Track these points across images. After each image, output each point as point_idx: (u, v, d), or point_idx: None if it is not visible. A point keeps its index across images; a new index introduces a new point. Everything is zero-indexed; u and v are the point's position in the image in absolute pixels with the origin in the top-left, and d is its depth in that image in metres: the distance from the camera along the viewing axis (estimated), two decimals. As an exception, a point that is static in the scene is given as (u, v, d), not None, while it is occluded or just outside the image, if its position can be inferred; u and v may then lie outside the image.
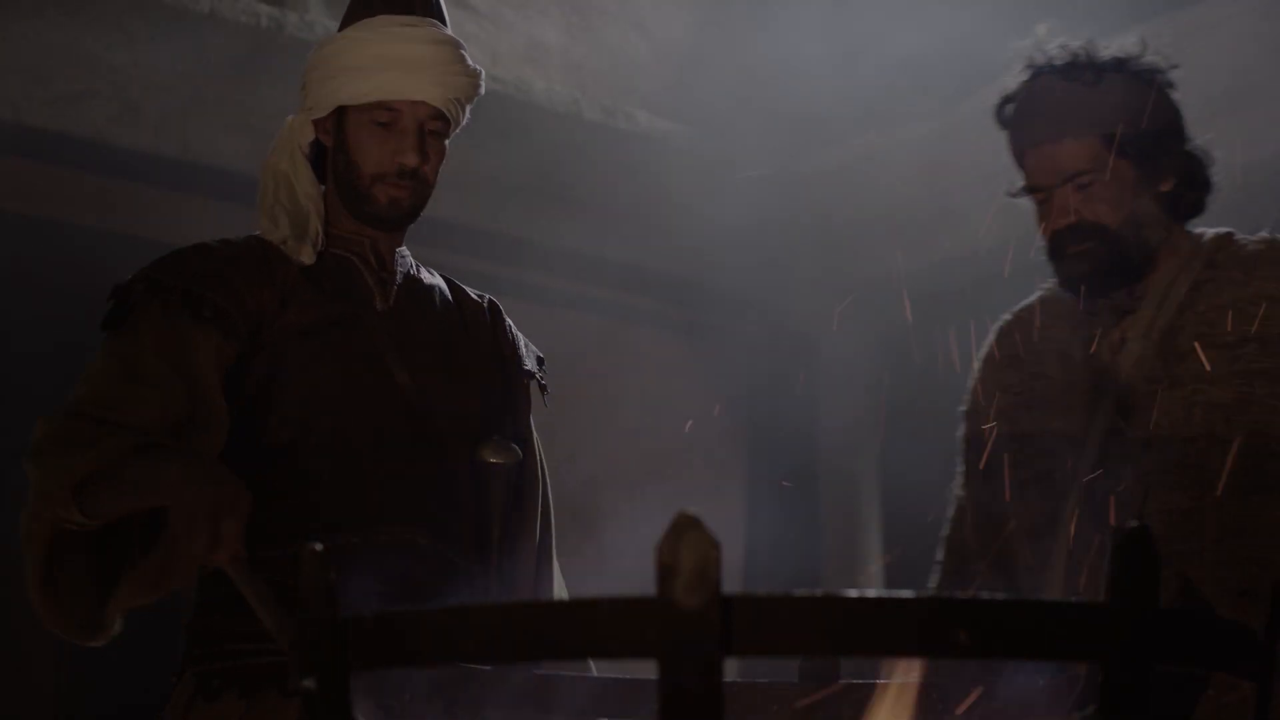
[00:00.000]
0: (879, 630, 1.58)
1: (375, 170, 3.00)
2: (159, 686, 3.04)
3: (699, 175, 6.85)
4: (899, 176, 6.76)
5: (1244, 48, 5.94)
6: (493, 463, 3.00)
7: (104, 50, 5.72)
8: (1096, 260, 2.84)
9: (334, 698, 1.78)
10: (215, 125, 5.88)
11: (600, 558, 6.83)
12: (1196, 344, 2.78)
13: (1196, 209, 2.92)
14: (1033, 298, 3.04)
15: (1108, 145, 2.84)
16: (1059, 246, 2.87)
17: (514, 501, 3.09)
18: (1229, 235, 2.90)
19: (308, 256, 3.00)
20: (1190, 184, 2.89)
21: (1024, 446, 2.92)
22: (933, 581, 3.05)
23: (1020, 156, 2.92)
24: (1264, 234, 2.88)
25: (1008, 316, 3.08)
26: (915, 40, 6.42)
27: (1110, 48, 2.88)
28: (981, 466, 2.97)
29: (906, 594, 1.60)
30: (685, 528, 1.52)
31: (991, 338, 3.08)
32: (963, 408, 3.09)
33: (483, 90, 3.11)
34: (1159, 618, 1.65)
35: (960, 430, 3.09)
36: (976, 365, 3.09)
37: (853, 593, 1.57)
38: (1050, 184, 2.87)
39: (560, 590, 3.23)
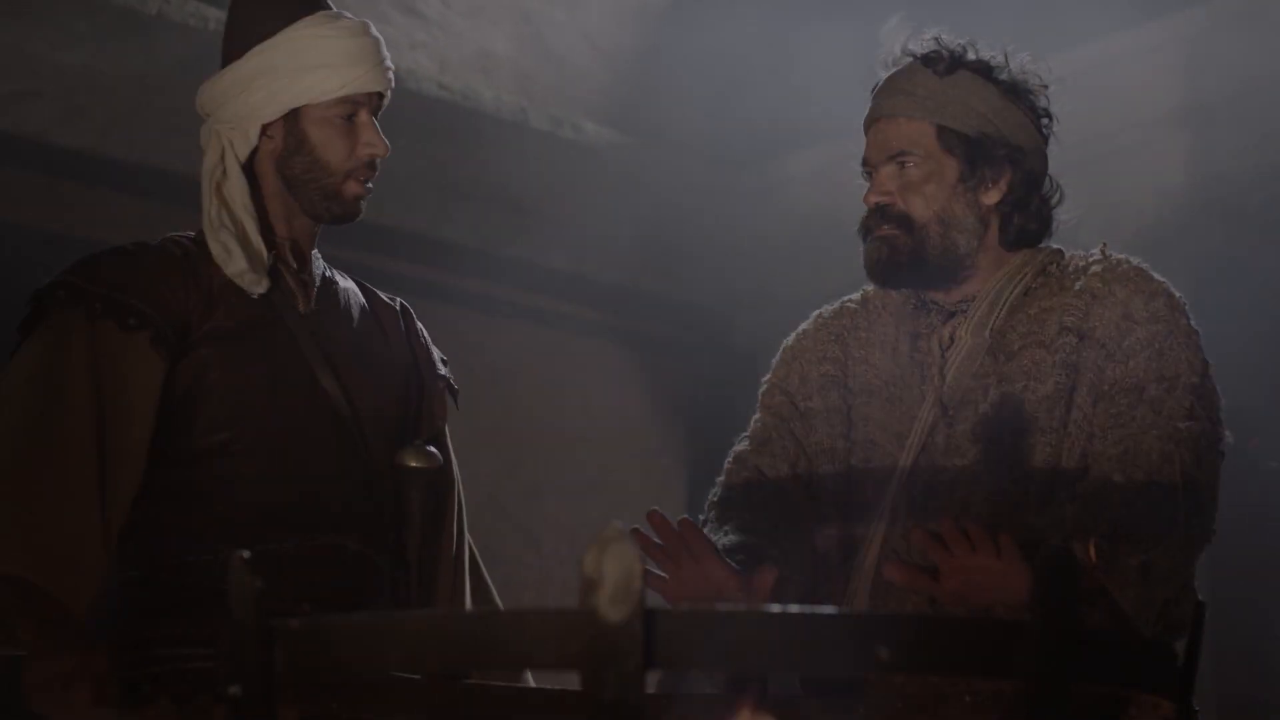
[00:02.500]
0: (802, 646, 1.59)
1: (347, 166, 3.00)
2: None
3: (645, 186, 6.86)
4: (846, 190, 6.78)
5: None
6: (414, 467, 3.00)
7: (50, 51, 5.69)
8: (895, 248, 2.85)
9: (261, 705, 1.78)
10: (161, 127, 5.86)
11: (541, 567, 6.84)
12: (1023, 342, 2.81)
13: (1023, 237, 2.91)
14: (857, 294, 3.05)
15: (937, 136, 2.85)
16: (869, 226, 2.89)
17: (433, 506, 3.09)
18: (1060, 251, 2.93)
19: (263, 287, 2.98)
20: (1019, 207, 2.89)
21: (848, 432, 2.92)
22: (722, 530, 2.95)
23: (866, 131, 2.94)
24: (1096, 251, 2.90)
25: (830, 306, 3.07)
26: (865, 54, 6.44)
27: (985, 52, 2.89)
28: (797, 436, 2.96)
29: (830, 610, 1.61)
30: (610, 541, 1.53)
31: (807, 322, 3.07)
32: (769, 375, 3.06)
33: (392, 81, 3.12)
34: (1081, 637, 1.67)
35: (765, 391, 3.05)
36: (787, 340, 3.07)
37: (776, 608, 1.58)
38: (876, 160, 2.89)
39: (469, 589, 3.20)
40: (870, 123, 2.92)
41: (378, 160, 3.03)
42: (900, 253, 2.85)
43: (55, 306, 2.90)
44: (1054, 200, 2.92)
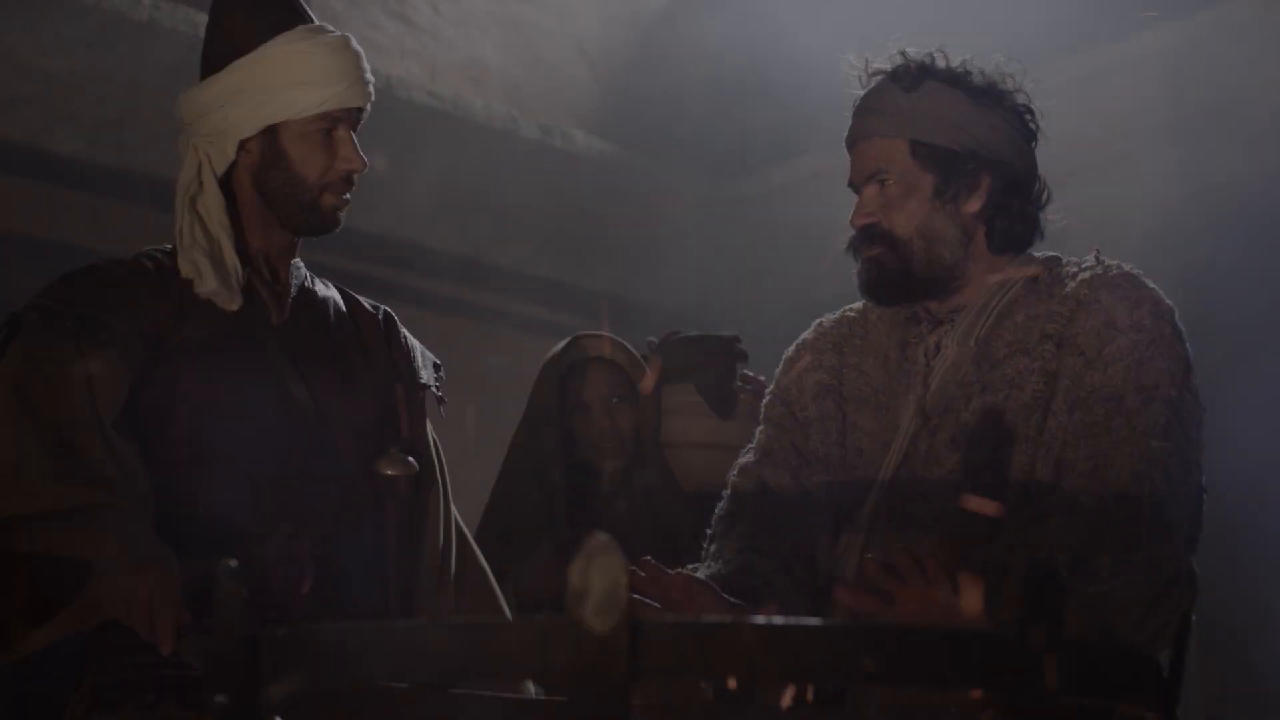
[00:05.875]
0: (786, 656, 1.59)
1: (323, 180, 3.00)
2: (57, 697, 3.00)
3: (636, 195, 6.86)
4: (840, 198, 6.77)
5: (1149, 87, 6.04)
6: (389, 475, 3.00)
7: (40, 56, 5.69)
8: (883, 268, 2.85)
9: (246, 715, 1.78)
10: (151, 133, 5.86)
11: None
12: (1009, 350, 2.81)
13: (1009, 240, 2.90)
14: (859, 303, 3.05)
15: (911, 151, 2.85)
16: (857, 247, 2.89)
17: (413, 514, 3.08)
18: (1056, 258, 2.92)
19: (236, 304, 2.98)
20: (1002, 211, 2.88)
21: (843, 440, 2.92)
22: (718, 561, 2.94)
23: (849, 152, 2.94)
24: (1090, 258, 2.89)
25: (831, 315, 3.08)
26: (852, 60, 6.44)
27: (954, 62, 2.88)
28: (794, 445, 2.96)
29: (814, 620, 1.61)
30: (596, 552, 1.53)
31: (808, 331, 3.07)
32: (771, 386, 3.07)
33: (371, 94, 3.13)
34: (1065, 648, 1.67)
35: (768, 403, 3.06)
36: (788, 350, 3.08)
37: (760, 619, 1.58)
38: (858, 181, 2.89)
39: (475, 593, 3.20)
40: (850, 145, 2.92)
41: (355, 174, 3.03)
42: (889, 271, 2.84)
43: (26, 331, 2.90)
44: (1042, 200, 2.91)
